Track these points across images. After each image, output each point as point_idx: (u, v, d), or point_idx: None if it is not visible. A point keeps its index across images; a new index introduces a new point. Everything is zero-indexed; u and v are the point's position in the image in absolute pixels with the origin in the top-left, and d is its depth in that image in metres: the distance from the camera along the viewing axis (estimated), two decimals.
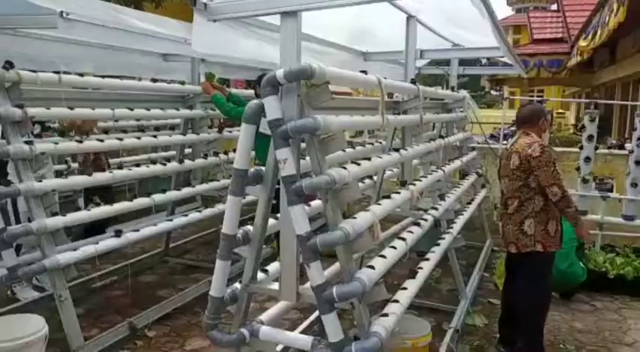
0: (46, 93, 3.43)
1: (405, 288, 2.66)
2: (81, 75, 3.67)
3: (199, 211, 4.55)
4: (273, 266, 2.69)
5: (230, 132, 5.66)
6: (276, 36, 3.17)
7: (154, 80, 4.56)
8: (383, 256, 2.48)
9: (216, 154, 4.90)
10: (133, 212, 3.85)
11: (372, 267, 2.28)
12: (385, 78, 2.78)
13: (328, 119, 2.18)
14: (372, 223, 2.32)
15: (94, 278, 4.36)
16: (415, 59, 4.05)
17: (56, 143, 3.45)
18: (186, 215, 4.40)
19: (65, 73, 3.56)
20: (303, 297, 2.37)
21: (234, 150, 4.88)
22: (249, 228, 2.51)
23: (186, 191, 4.39)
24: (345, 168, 2.29)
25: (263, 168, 2.47)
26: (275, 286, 2.45)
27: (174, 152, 6.20)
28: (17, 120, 3.08)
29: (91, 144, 3.63)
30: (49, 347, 2.85)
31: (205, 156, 4.79)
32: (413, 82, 3.61)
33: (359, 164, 2.46)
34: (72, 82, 3.48)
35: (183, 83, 5.31)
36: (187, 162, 4.55)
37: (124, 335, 3.55)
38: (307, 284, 2.47)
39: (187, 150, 5.31)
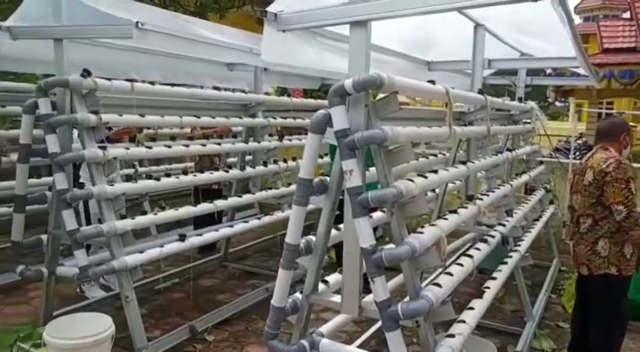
0: (119, 100, 3.58)
1: (471, 308, 2.55)
2: (152, 83, 3.81)
3: (258, 218, 4.59)
4: (333, 278, 2.66)
5: (290, 140, 5.72)
6: (340, 45, 3.17)
7: (217, 88, 4.67)
8: (449, 273, 2.39)
9: (275, 162, 4.95)
10: None
11: (439, 285, 2.20)
12: (453, 88, 2.71)
13: (396, 130, 2.14)
14: (438, 239, 2.24)
15: (158, 279, 4.50)
16: (482, 69, 3.93)
17: (127, 148, 3.59)
18: (247, 221, 4.45)
19: (133, 80, 3.72)
20: (365, 312, 2.31)
21: (294, 159, 4.99)
22: (312, 238, 2.49)
23: (247, 198, 4.45)
24: (412, 180, 2.23)
25: (327, 178, 2.45)
26: (336, 298, 2.41)
27: (235, 159, 6.36)
28: (92, 125, 3.22)
29: (159, 150, 3.75)
30: (113, 345, 2.94)
31: (265, 164, 4.84)
32: (480, 92, 3.50)
33: (426, 177, 2.40)
34: (143, 89, 3.61)
35: (245, 92, 5.42)
36: (248, 169, 4.61)
37: (185, 337, 3.63)
38: (368, 298, 2.42)
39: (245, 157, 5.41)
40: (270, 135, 5.53)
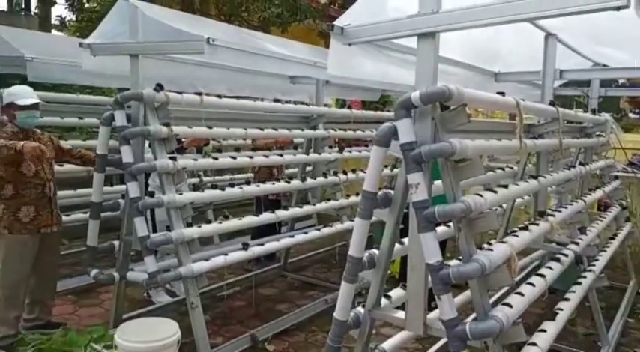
0: (186, 113, 3.71)
1: (543, 330, 2.43)
2: (219, 96, 3.93)
3: (318, 229, 4.61)
4: (395, 293, 2.61)
5: (350, 152, 5.72)
6: (405, 57, 3.15)
7: (277, 100, 4.76)
8: (520, 293, 2.29)
9: (335, 174, 4.95)
10: None
11: (509, 305, 2.11)
12: (523, 100, 2.62)
13: (464, 143, 2.09)
14: (509, 257, 2.16)
15: (220, 287, 4.60)
16: (553, 80, 3.78)
17: (195, 159, 3.72)
18: (306, 232, 4.48)
19: (201, 93, 3.86)
20: (430, 329, 2.25)
21: (353, 171, 4.98)
22: (375, 251, 2.46)
23: (307, 209, 4.48)
24: (481, 195, 2.16)
25: (392, 191, 2.42)
26: (400, 314, 2.37)
27: (293, 170, 6.44)
28: (164, 137, 3.36)
29: (224, 161, 3.86)
30: (178, 350, 3.01)
31: (325, 175, 4.86)
32: (552, 103, 3.36)
33: (495, 191, 2.32)
34: (211, 102, 3.74)
35: (307, 104, 5.48)
36: (309, 181, 4.65)
37: (246, 346, 3.69)
38: (433, 315, 2.36)
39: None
40: (330, 146, 5.56)
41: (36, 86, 5.28)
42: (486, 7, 2.21)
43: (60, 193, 4.51)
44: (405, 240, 2.52)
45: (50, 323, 3.81)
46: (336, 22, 2.53)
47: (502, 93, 2.54)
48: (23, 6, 12.59)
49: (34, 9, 11.88)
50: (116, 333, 2.90)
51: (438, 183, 2.33)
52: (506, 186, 2.44)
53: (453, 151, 2.03)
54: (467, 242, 2.09)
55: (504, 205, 3.80)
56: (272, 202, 5.45)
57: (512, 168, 3.88)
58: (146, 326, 3.02)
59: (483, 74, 4.46)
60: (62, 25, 10.50)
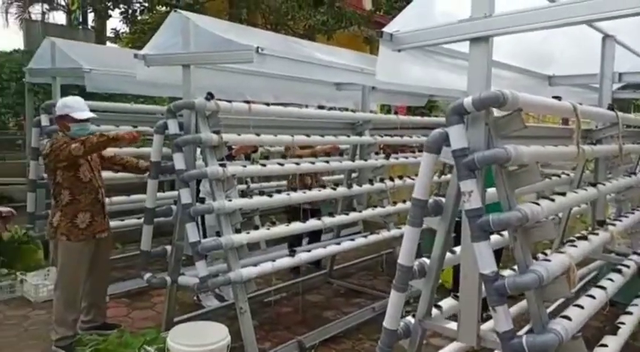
0: (237, 121, 3.78)
1: (604, 345, 2.32)
2: (267, 104, 3.99)
3: (365, 236, 4.58)
4: (446, 303, 2.56)
5: (397, 158, 5.67)
6: (455, 61, 3.10)
7: (321, 107, 4.76)
8: (579, 306, 2.19)
9: (382, 180, 4.91)
10: None
11: (568, 318, 2.02)
12: (580, 104, 2.52)
13: (520, 149, 2.03)
14: (568, 267, 2.08)
15: (267, 292, 4.65)
16: (612, 83, 3.62)
17: (244, 166, 3.78)
18: (353, 239, 4.46)
19: (249, 101, 3.92)
20: (484, 341, 2.19)
21: (400, 177, 4.92)
22: (426, 260, 2.42)
23: (353, 215, 4.47)
24: (537, 203, 2.09)
25: (443, 198, 2.38)
26: (452, 325, 2.31)
27: (329, 178, 6.42)
28: (214, 144, 3.43)
29: (273, 168, 3.90)
30: None
31: (371, 182, 4.83)
32: (611, 107, 3.23)
33: (552, 199, 2.24)
34: (259, 110, 3.79)
35: (353, 111, 5.47)
36: (355, 187, 4.63)
37: None
38: (486, 326, 2.30)
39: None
40: (376, 153, 5.52)
41: (93, 96, 5.55)
42: (541, 10, 2.15)
43: (114, 199, 4.71)
44: (457, 249, 2.47)
45: (106, 324, 3.96)
46: (385, 29, 2.52)
47: (558, 98, 2.46)
48: (80, 20, 13.23)
49: (90, 22, 12.47)
50: (168, 336, 2.98)
51: (490, 190, 2.27)
52: (563, 194, 2.35)
53: (508, 158, 1.98)
54: (523, 252, 2.02)
55: (560, 214, 3.65)
56: (310, 212, 5.11)
57: (567, 174, 3.74)
58: (197, 330, 3.09)
59: (536, 78, 4.32)
60: (116, 37, 10.94)
